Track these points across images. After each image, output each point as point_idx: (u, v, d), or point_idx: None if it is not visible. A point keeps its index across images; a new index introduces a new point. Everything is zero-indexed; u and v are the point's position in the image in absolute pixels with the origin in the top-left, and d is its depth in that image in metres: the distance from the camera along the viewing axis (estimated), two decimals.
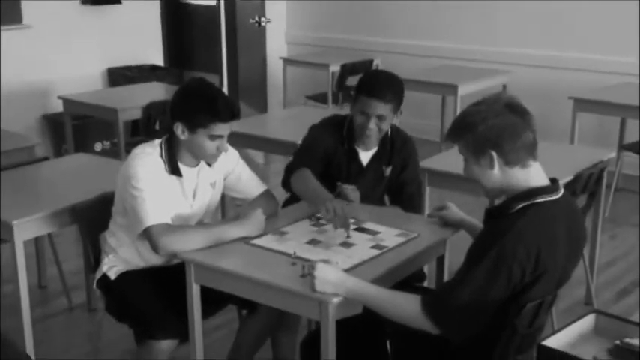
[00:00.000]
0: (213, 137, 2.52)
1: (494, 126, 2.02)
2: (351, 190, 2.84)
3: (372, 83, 2.82)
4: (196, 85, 2.56)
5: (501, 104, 2.05)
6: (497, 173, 2.06)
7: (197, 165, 2.65)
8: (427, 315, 2.03)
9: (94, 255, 2.82)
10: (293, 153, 3.07)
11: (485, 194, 2.19)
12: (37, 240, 3.84)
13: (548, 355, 1.72)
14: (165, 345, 2.49)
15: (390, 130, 2.96)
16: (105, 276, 2.70)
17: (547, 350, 1.72)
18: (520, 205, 2.03)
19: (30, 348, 2.90)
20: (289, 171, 2.91)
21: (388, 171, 3.01)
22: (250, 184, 2.78)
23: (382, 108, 2.79)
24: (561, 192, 2.09)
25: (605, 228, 3.96)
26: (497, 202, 2.23)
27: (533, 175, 2.06)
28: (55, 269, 3.88)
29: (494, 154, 2.03)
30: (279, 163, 5.70)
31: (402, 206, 3.00)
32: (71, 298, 3.80)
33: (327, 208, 2.53)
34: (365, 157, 3.00)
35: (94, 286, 2.77)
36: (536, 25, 5.95)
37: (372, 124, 2.82)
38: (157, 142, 2.61)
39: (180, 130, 2.52)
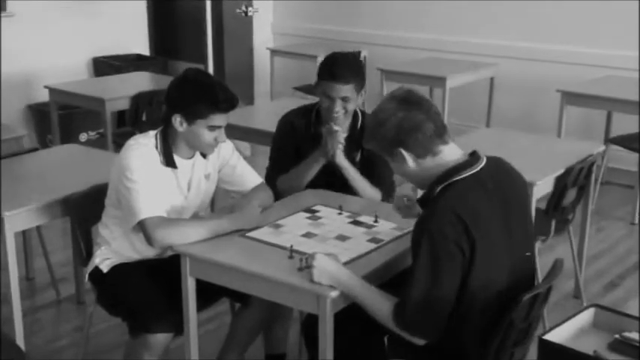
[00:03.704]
0: (212, 128, 2.50)
1: (392, 126, 2.07)
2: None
3: (331, 67, 2.89)
4: (194, 76, 2.54)
5: (395, 103, 2.10)
6: (413, 167, 2.11)
7: (192, 157, 2.63)
8: (397, 325, 2.07)
9: (85, 248, 2.79)
10: (269, 160, 3.12)
11: (416, 186, 2.24)
12: (24, 232, 3.79)
13: (550, 349, 1.73)
14: (161, 338, 2.47)
15: (360, 115, 3.02)
16: (97, 269, 2.67)
17: (548, 344, 1.73)
18: (439, 188, 2.07)
19: (20, 339, 2.87)
20: (271, 183, 2.94)
21: (358, 156, 3.03)
22: (245, 176, 2.76)
23: (344, 89, 2.86)
24: (482, 162, 2.11)
25: (591, 221, 3.99)
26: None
27: (447, 157, 2.10)
28: (41, 261, 3.84)
29: (402, 151, 2.09)
30: (267, 154, 5.68)
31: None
32: (59, 290, 3.77)
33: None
34: None
35: (86, 279, 2.74)
36: (523, 18, 5.96)
37: (338, 107, 2.88)
38: (152, 133, 2.59)
39: (178, 122, 2.49)
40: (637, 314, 1.87)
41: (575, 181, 3.34)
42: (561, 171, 3.28)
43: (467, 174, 2.07)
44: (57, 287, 3.77)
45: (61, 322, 3.54)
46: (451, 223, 1.98)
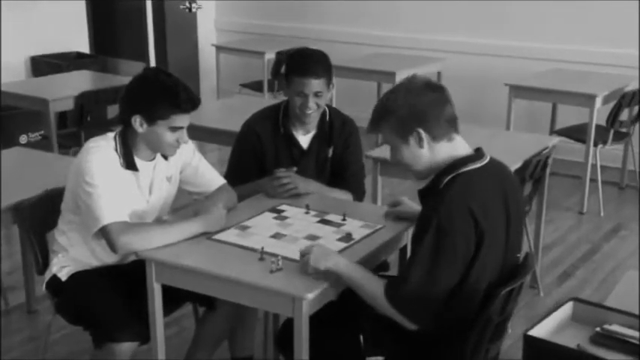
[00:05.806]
0: (173, 129, 2.42)
1: (416, 104, 2.08)
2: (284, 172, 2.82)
3: (302, 62, 2.84)
4: (154, 75, 2.45)
5: (419, 84, 2.12)
6: (425, 151, 2.11)
7: (153, 159, 2.54)
8: (389, 300, 2.05)
9: (41, 255, 2.67)
10: (227, 165, 3.02)
11: (417, 177, 2.22)
12: None
13: (535, 345, 1.72)
14: (126, 347, 2.38)
15: (327, 111, 2.98)
16: (55, 277, 2.56)
17: (534, 340, 1.72)
18: (447, 179, 2.08)
19: None
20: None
21: (330, 151, 3.00)
22: (208, 178, 2.68)
23: (317, 84, 2.81)
24: (487, 159, 2.14)
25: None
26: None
27: (457, 147, 2.13)
28: None
29: (421, 130, 2.08)
30: (216, 152, 5.60)
31: (345, 187, 2.98)
32: (7, 300, 3.61)
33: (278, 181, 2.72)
34: (304, 140, 2.98)
35: (44, 288, 2.62)
36: (469, 14, 6.03)
37: (312, 103, 2.83)
38: (111, 135, 2.49)
39: (138, 123, 2.40)
40: (616, 307, 1.88)
41: (532, 174, 3.38)
42: (519, 164, 3.31)
43: (473, 167, 2.09)
44: (5, 296, 3.61)
45: (12, 333, 3.39)
46: (462, 215, 1.98)
